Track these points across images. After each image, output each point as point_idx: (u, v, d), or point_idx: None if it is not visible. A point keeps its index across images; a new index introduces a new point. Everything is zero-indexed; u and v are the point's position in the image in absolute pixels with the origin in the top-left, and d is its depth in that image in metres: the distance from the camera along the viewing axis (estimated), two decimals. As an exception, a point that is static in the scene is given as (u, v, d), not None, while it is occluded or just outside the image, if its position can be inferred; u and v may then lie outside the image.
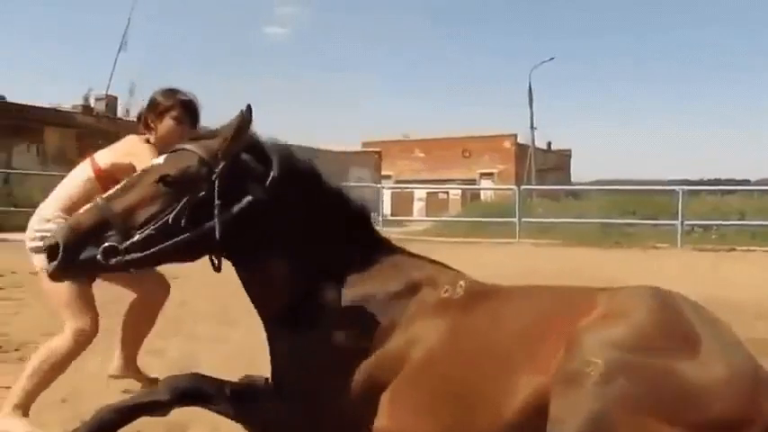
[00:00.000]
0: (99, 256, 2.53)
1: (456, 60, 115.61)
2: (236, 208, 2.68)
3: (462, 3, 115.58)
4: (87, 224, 2.57)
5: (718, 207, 21.75)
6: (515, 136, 46.63)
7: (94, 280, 3.83)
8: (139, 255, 2.58)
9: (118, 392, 4.21)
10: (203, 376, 2.97)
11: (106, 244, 2.54)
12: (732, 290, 8.56)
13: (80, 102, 30.31)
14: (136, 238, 2.57)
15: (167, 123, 3.92)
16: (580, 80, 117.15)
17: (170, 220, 2.60)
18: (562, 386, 2.32)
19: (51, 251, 2.53)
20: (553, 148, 53.91)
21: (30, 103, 26.98)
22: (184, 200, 2.63)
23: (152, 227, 2.59)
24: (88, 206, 2.67)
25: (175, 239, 2.61)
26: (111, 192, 2.71)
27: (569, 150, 57.01)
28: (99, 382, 4.64)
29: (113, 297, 7.01)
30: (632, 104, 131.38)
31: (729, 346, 2.42)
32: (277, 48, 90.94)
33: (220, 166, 2.69)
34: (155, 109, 3.97)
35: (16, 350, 5.64)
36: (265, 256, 2.85)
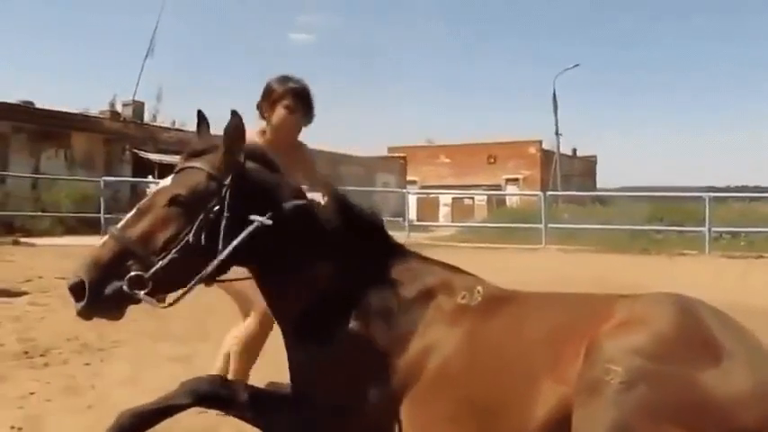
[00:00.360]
0: (125, 288, 2.49)
1: (480, 66, 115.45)
2: (255, 224, 2.65)
3: (487, 9, 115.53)
4: (108, 257, 2.52)
5: (746, 214, 21.68)
6: (540, 142, 46.44)
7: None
8: (166, 280, 2.55)
9: (145, 398, 4.22)
10: (224, 379, 2.98)
11: (131, 274, 2.50)
12: (761, 297, 8.42)
13: (106, 106, 30.66)
14: (159, 264, 2.53)
15: (279, 112, 3.88)
16: (605, 87, 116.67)
17: (190, 240, 2.56)
18: (583, 396, 2.28)
19: (77, 289, 2.47)
20: (579, 154, 53.77)
21: (58, 109, 27.22)
22: (199, 218, 2.60)
23: (173, 250, 2.55)
24: (104, 238, 2.62)
25: (202, 258, 2.58)
26: (124, 220, 2.66)
27: (595, 156, 56.87)
28: (125, 388, 4.69)
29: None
30: (658, 111, 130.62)
31: (754, 354, 2.34)
32: (303, 53, 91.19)
33: (228, 180, 2.68)
34: (268, 98, 3.92)
35: (41, 356, 5.66)
36: (278, 265, 2.83)
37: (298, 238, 2.82)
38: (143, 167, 26.08)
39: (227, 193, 2.65)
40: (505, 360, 2.57)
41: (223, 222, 2.62)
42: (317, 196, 3.12)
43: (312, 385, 2.77)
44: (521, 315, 2.72)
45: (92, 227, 18.20)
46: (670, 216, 21.28)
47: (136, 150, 27.75)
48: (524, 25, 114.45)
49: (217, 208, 2.63)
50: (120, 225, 2.64)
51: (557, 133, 42.76)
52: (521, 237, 20.88)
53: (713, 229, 19.00)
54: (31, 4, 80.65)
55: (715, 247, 18.53)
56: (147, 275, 2.50)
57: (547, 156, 44.72)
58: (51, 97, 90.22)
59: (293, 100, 3.87)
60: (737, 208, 22.87)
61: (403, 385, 2.64)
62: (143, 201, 2.73)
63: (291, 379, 2.89)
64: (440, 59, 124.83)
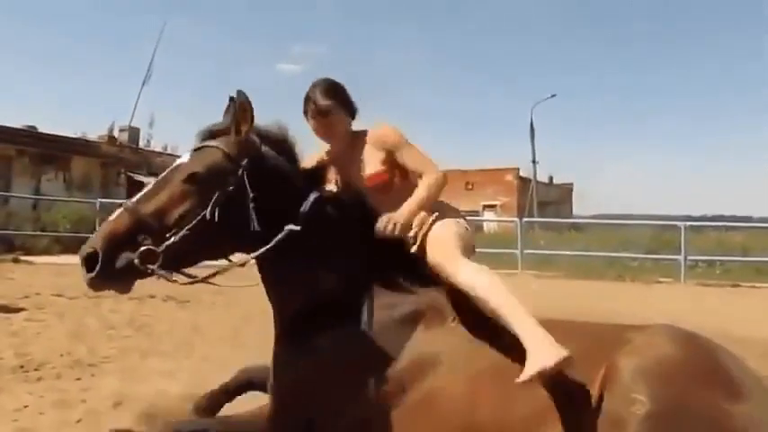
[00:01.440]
0: (136, 261, 2.48)
1: (460, 96, 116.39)
2: (286, 230, 2.72)
3: (468, 40, 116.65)
4: (122, 230, 2.51)
5: (722, 243, 21.50)
6: (518, 170, 46.16)
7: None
8: (177, 256, 2.55)
9: (132, 414, 4.37)
10: (203, 421, 3.07)
11: (143, 248, 2.49)
12: (737, 326, 8.32)
13: (104, 131, 31.62)
14: (171, 239, 2.53)
15: (310, 124, 3.33)
16: (582, 116, 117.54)
17: (206, 217, 2.56)
18: (608, 428, 2.22)
19: (89, 260, 2.46)
20: (555, 181, 53.75)
21: (59, 134, 28.09)
22: (215, 196, 2.60)
23: (186, 226, 2.55)
24: (117, 211, 2.59)
25: (212, 237, 2.59)
26: (139, 195, 2.66)
27: (571, 184, 56.68)
28: (113, 402, 4.81)
29: (130, 319, 7.33)
30: (634, 140, 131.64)
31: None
32: (291, 83, 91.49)
33: (245, 161, 2.71)
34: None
35: (36, 370, 5.77)
36: (291, 255, 2.80)
37: (312, 234, 2.82)
38: (137, 190, 26.49)
39: (245, 175, 2.68)
40: (494, 384, 2.57)
41: (250, 204, 2.66)
42: (332, 187, 3.12)
43: (289, 392, 2.80)
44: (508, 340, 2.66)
45: (88, 246, 18.23)
46: (646, 244, 21.09)
47: (129, 174, 28.36)
48: (503, 57, 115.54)
49: (232, 189, 2.65)
50: (134, 199, 2.64)
51: (533, 161, 43.44)
52: (497, 261, 20.49)
53: (689, 257, 18.82)
54: (34, 35, 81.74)
55: (691, 275, 18.34)
56: (158, 250, 2.51)
57: (524, 183, 44.76)
58: (52, 121, 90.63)
59: (312, 113, 3.28)
60: (713, 237, 22.63)
61: (384, 405, 2.64)
62: (159, 177, 2.73)
63: (273, 378, 2.89)
64: (420, 88, 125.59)
